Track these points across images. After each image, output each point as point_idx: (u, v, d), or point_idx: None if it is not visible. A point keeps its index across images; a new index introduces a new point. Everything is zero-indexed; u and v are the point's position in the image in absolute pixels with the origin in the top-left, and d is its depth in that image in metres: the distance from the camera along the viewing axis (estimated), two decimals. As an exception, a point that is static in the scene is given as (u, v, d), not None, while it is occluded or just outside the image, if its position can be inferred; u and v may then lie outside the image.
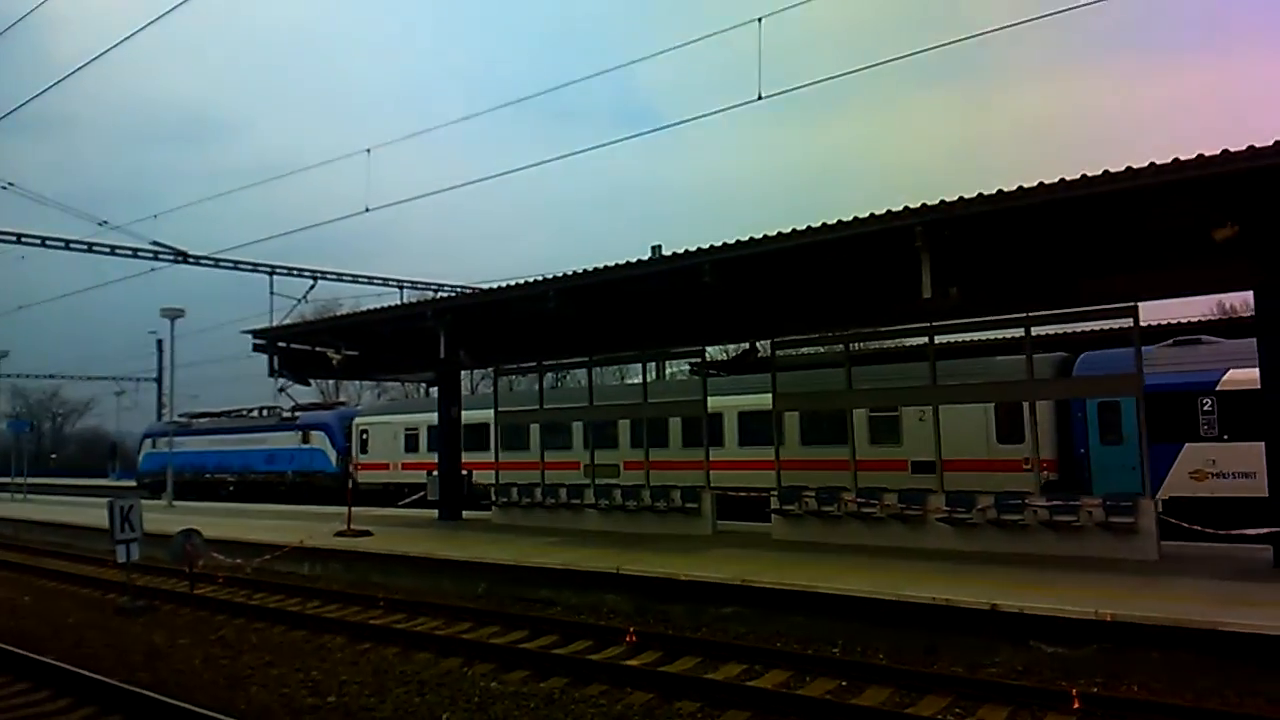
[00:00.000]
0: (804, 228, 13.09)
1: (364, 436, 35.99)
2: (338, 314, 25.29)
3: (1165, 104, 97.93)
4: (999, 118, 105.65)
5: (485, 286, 20.76)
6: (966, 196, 11.62)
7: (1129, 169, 10.52)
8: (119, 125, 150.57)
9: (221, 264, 32.05)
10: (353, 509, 21.36)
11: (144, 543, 15.00)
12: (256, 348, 23.45)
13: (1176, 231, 11.91)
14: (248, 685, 9.79)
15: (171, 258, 30.48)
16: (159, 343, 62.72)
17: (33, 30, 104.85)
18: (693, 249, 14.52)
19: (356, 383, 61.67)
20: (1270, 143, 9.70)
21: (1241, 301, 40.22)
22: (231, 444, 42.52)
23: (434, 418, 33.19)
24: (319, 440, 38.54)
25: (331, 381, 57.35)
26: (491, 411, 24.19)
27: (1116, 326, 19.30)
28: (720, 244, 14.10)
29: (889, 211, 12.25)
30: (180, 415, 38.71)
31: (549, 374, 24.16)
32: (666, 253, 15.42)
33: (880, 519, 15.87)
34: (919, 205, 11.97)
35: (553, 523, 20.93)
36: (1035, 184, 11.09)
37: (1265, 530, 12.94)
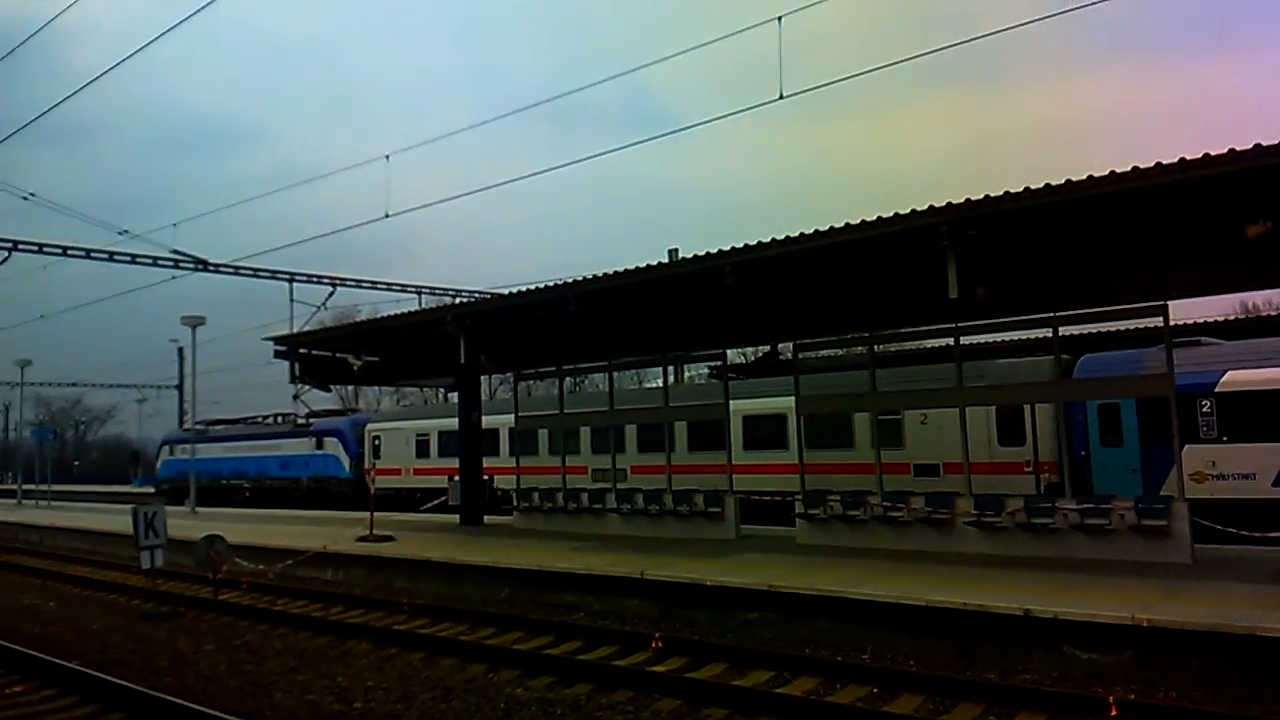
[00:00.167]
0: (826, 228, 12.96)
1: (376, 442, 36.33)
2: (357, 320, 25.31)
3: (1179, 105, 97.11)
4: (1012, 117, 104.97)
5: (502, 291, 20.74)
6: (993, 195, 11.46)
7: (1159, 165, 10.34)
8: (138, 135, 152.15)
9: (241, 272, 32.18)
10: (374, 514, 21.34)
11: (168, 549, 15.03)
12: (278, 354, 23.49)
13: (1208, 228, 11.71)
14: (273, 692, 9.74)
15: (192, 266, 30.61)
16: (180, 350, 63.16)
17: (52, 42, 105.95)
18: (713, 251, 14.41)
19: (376, 389, 62.01)
20: (1305, 137, 9.52)
21: (1265, 300, 39.93)
22: (247, 450, 42.95)
23: (444, 423, 33.73)
24: (332, 446, 38.88)
25: (351, 387, 57.58)
26: (503, 417, 24.23)
27: (1121, 328, 19.36)
28: (741, 245, 13.98)
29: (914, 211, 12.11)
30: (198, 423, 39.05)
31: (544, 379, 24.15)
32: (685, 255, 15.27)
33: (907, 523, 15.70)
34: (944, 204, 11.83)
35: (575, 527, 20.84)
36: (1063, 181, 10.92)
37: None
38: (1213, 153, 10.07)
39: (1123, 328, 19.68)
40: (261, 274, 32.35)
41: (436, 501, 27.98)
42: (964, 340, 16.63)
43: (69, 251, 28.84)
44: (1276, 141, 9.72)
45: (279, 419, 42.94)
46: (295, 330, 25.47)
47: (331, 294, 32.99)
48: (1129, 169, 10.58)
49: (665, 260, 17.98)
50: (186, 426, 52.88)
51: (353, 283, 34.63)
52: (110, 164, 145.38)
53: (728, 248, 14.17)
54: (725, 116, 26.29)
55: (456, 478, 24.56)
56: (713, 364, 26.92)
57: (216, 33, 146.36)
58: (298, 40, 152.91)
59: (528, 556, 16.23)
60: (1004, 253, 13.04)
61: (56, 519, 32.12)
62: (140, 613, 14.50)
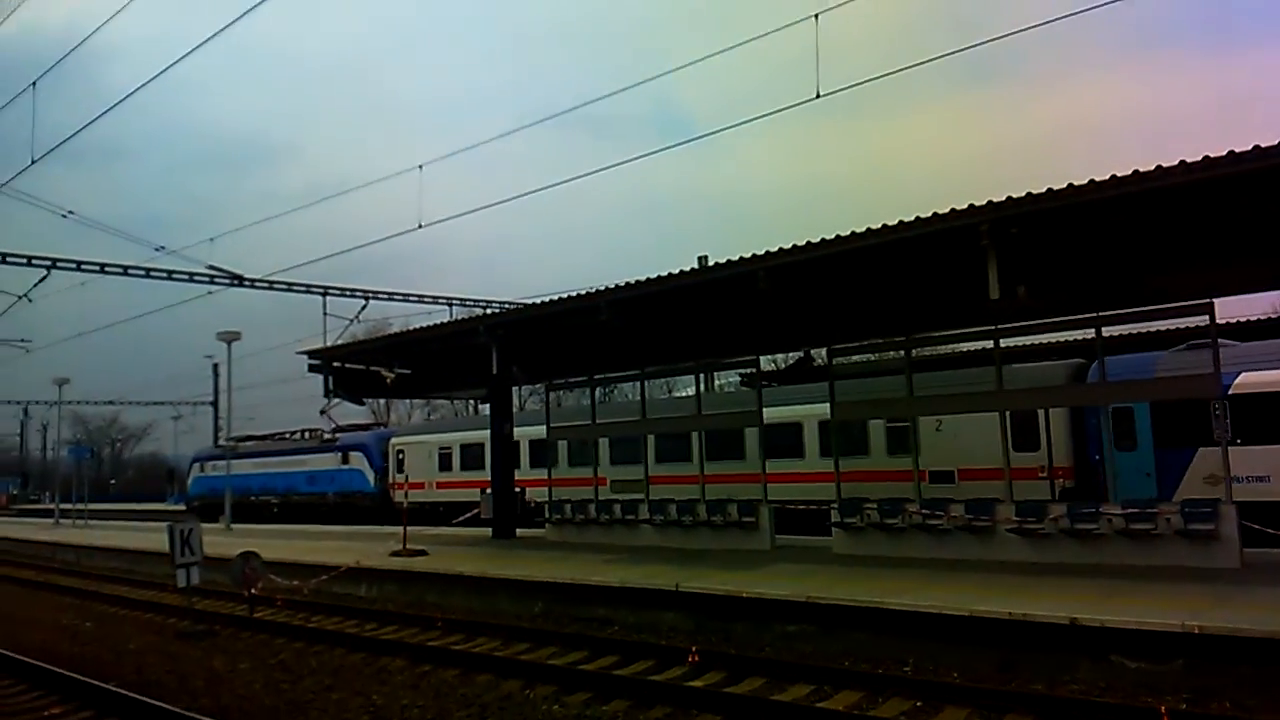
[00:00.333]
0: (864, 230, 12.76)
1: (400, 456, 36.66)
2: (390, 332, 25.37)
3: (1210, 103, 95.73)
4: (1040, 117, 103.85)
5: (530, 301, 20.68)
6: (1035, 192, 11.22)
7: (1206, 158, 10.06)
8: (168, 156, 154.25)
9: (276, 286, 32.32)
10: (406, 528, 21.34)
11: (204, 566, 15.05)
12: (312, 368, 23.58)
13: (1257, 223, 11.43)
14: (309, 710, 9.68)
15: (227, 281, 30.79)
16: (215, 366, 63.74)
17: (84, 64, 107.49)
18: (747, 255, 14.24)
19: (407, 403, 62.29)
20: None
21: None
22: (275, 466, 43.44)
23: (467, 436, 34.28)
24: (358, 461, 39.33)
25: (382, 401, 57.89)
26: (522, 429, 24.26)
27: (1138, 331, 19.10)
28: (776, 249, 13.80)
29: (953, 210, 11.88)
30: (227, 439, 39.57)
31: (584, 389, 24.12)
32: (718, 261, 15.09)
33: (946, 530, 15.44)
34: (985, 203, 11.59)
35: (608, 539, 20.72)
36: (1107, 177, 10.67)
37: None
38: (1263, 145, 9.80)
39: (1130, 331, 19.62)
40: (296, 288, 32.49)
41: (468, 515, 27.98)
42: (987, 344, 16.45)
43: (106, 269, 29.10)
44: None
45: (306, 434, 43.49)
46: (329, 344, 25.54)
47: (364, 307, 33.06)
48: (1175, 163, 10.32)
49: (699, 266, 17.80)
50: (219, 443, 53.50)
51: (385, 295, 34.71)
52: (141, 185, 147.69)
53: (762, 252, 14.02)
54: (762, 117, 26.01)
55: (488, 490, 24.54)
56: (743, 371, 26.75)
57: (245, 53, 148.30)
58: (327, 58, 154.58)
59: (561, 569, 16.12)
60: (1046, 251, 12.78)
61: (93, 538, 32.42)
62: (176, 631, 14.53)
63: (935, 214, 12.14)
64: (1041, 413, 18.94)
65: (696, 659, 11.04)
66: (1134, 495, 15.28)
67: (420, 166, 24.96)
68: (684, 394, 39.65)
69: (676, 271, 15.42)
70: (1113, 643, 9.72)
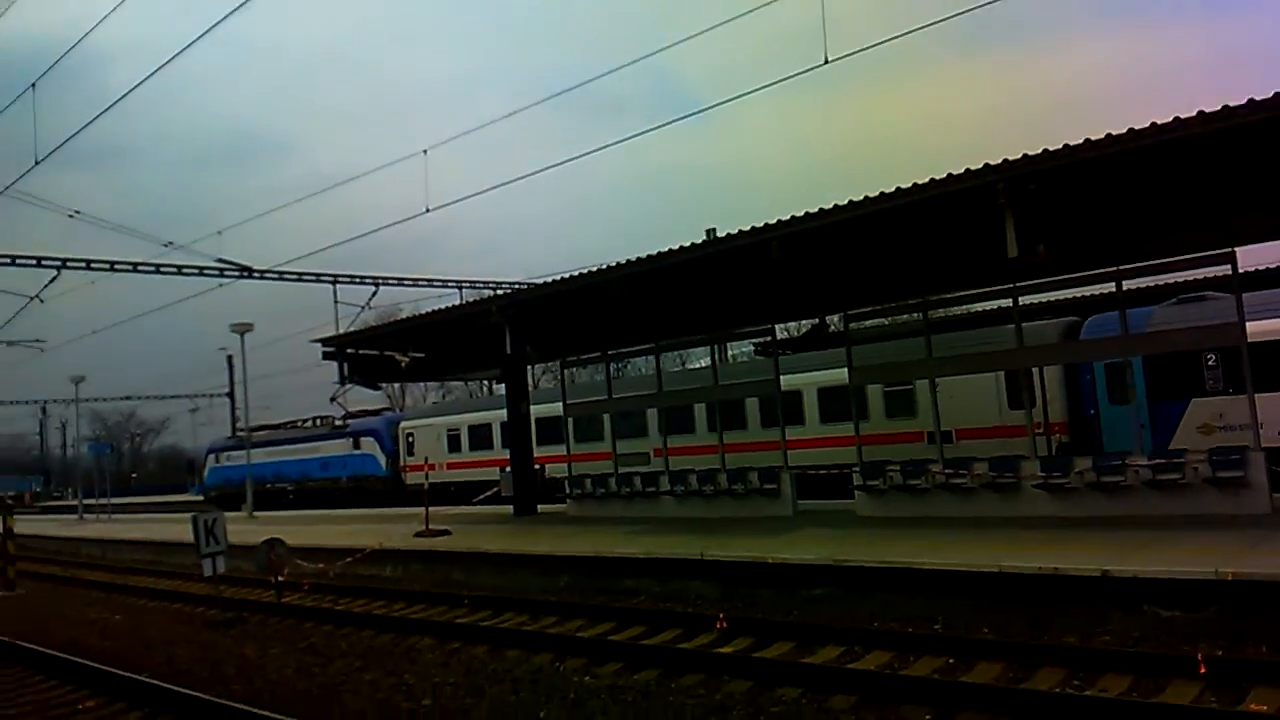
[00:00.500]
0: (877, 194, 12.63)
1: (410, 439, 37.30)
2: (402, 317, 25.35)
3: (1211, 58, 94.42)
4: (1044, 78, 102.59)
5: (539, 280, 20.64)
6: (1051, 149, 11.08)
7: (1225, 108, 9.91)
8: (172, 154, 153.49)
9: (286, 277, 32.31)
10: (428, 509, 21.36)
11: (229, 555, 15.09)
12: (326, 355, 23.61)
13: (1275, 170, 11.24)
14: (341, 693, 9.66)
15: (237, 273, 30.79)
16: (229, 358, 64.01)
17: (86, 65, 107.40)
18: (759, 225, 14.12)
19: (421, 387, 62.40)
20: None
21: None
22: (289, 454, 43.93)
23: (475, 418, 34.88)
24: (369, 445, 39.88)
25: (397, 386, 58.03)
26: (537, 407, 24.51)
27: (1138, 286, 19.03)
28: (789, 218, 13.69)
29: (968, 170, 11.75)
30: (240, 430, 39.97)
31: (597, 364, 24.22)
32: (730, 231, 14.96)
33: (970, 489, 15.37)
34: (1000, 161, 11.44)
35: (629, 511, 20.72)
36: (1125, 130, 10.51)
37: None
38: (1281, 91, 9.62)
39: (1128, 287, 19.49)
40: (306, 278, 32.47)
41: (489, 494, 28.05)
42: (1001, 303, 16.37)
43: (116, 266, 29.14)
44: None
45: (318, 422, 44.01)
46: (342, 331, 25.53)
47: (375, 294, 33.05)
48: (1194, 114, 10.16)
49: (711, 238, 17.69)
50: (230, 435, 53.88)
51: (394, 281, 34.71)
52: (147, 182, 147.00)
53: (774, 221, 13.89)
54: (768, 86, 25.59)
55: (507, 469, 24.58)
56: (757, 340, 26.68)
57: (244, 46, 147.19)
58: (323, 49, 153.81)
59: (584, 543, 16.12)
60: (1064, 208, 12.63)
61: (118, 531, 32.66)
62: (205, 620, 14.58)
63: (951, 174, 12.01)
64: (1036, 371, 19.19)
65: (724, 625, 11.02)
66: (1129, 448, 15.33)
67: (425, 151, 24.62)
68: (697, 366, 39.71)
69: (688, 244, 15.32)
70: (1145, 593, 9.64)
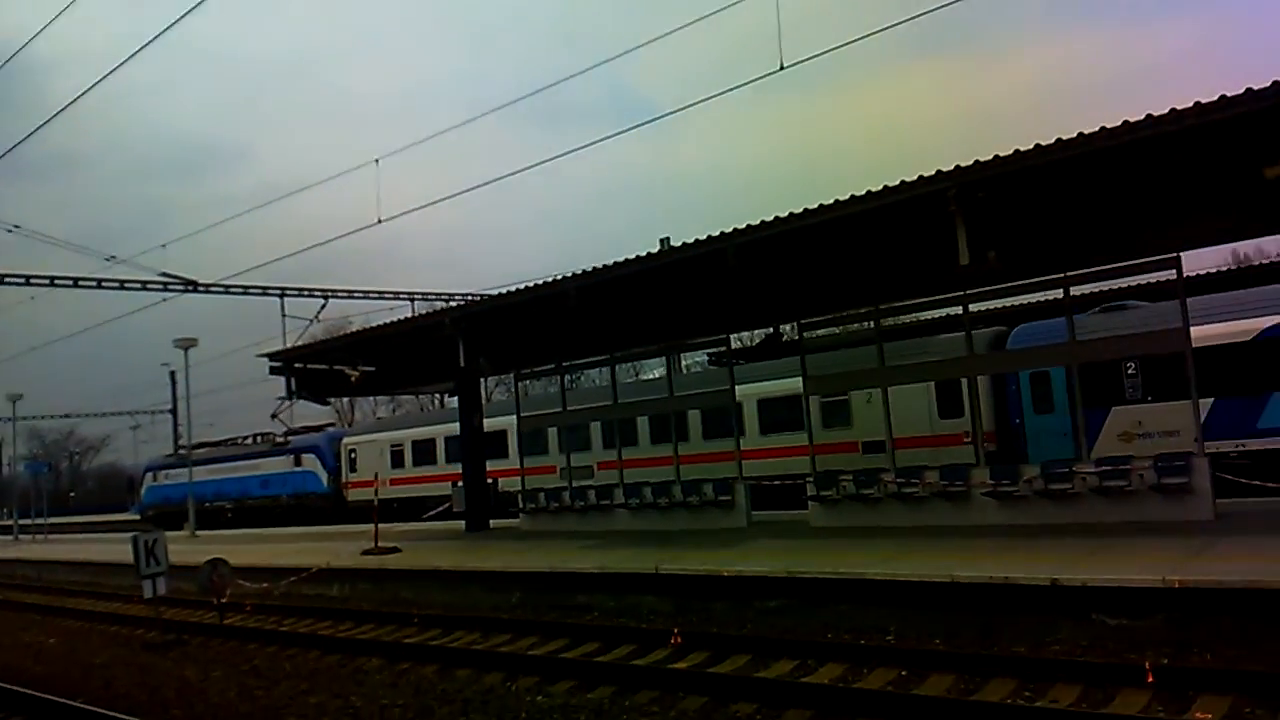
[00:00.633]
0: (831, 202, 12.66)
1: (352, 456, 36.86)
2: (351, 331, 25.00)
3: (1167, 62, 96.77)
4: (1001, 82, 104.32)
5: (496, 292, 20.41)
6: (1002, 154, 11.16)
7: (1173, 110, 10.04)
8: (117, 163, 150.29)
9: (232, 290, 31.82)
10: (378, 525, 21.02)
11: (170, 575, 14.72)
12: (273, 370, 23.21)
13: (1224, 174, 11.44)
14: (286, 716, 9.43)
15: (181, 288, 30.25)
16: (172, 374, 62.69)
17: (31, 72, 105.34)
18: (715, 234, 14.09)
19: (371, 401, 61.63)
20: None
21: (1255, 249, 39.65)
22: (228, 471, 43.21)
23: (418, 433, 34.62)
24: (310, 462, 39.35)
25: (347, 401, 57.27)
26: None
27: (1060, 297, 19.47)
28: (744, 226, 13.67)
29: (920, 177, 11.80)
30: (180, 448, 39.17)
31: (550, 377, 24.13)
32: (687, 240, 14.89)
33: (922, 498, 15.44)
34: (952, 168, 11.51)
35: (583, 525, 20.56)
36: (1074, 135, 10.62)
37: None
38: (1229, 94, 9.77)
39: (1046, 298, 20.33)
40: (252, 291, 32.00)
41: (440, 509, 27.77)
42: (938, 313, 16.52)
43: (56, 281, 28.50)
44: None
45: (258, 439, 43.40)
46: (290, 345, 25.11)
47: (324, 307, 32.68)
48: (1142, 117, 10.29)
49: (667, 246, 17.67)
50: (168, 453, 52.84)
51: (344, 294, 34.37)
52: (92, 194, 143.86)
53: (730, 229, 13.87)
54: (725, 93, 25.83)
55: (458, 483, 24.29)
56: (711, 351, 26.74)
57: (189, 56, 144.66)
58: (273, 58, 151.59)
59: (537, 558, 15.94)
60: (1015, 214, 12.76)
61: (54, 552, 31.79)
62: (144, 643, 14.18)
63: (903, 182, 12.06)
64: (965, 380, 19.43)
65: (679, 641, 10.90)
66: (1053, 456, 15.97)
67: (377, 161, 24.29)
68: (650, 377, 39.69)
69: (645, 253, 15.24)
70: (1094, 601, 9.70)
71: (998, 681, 8.57)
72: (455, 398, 29.18)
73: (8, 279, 27.52)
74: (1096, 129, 10.45)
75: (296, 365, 23.23)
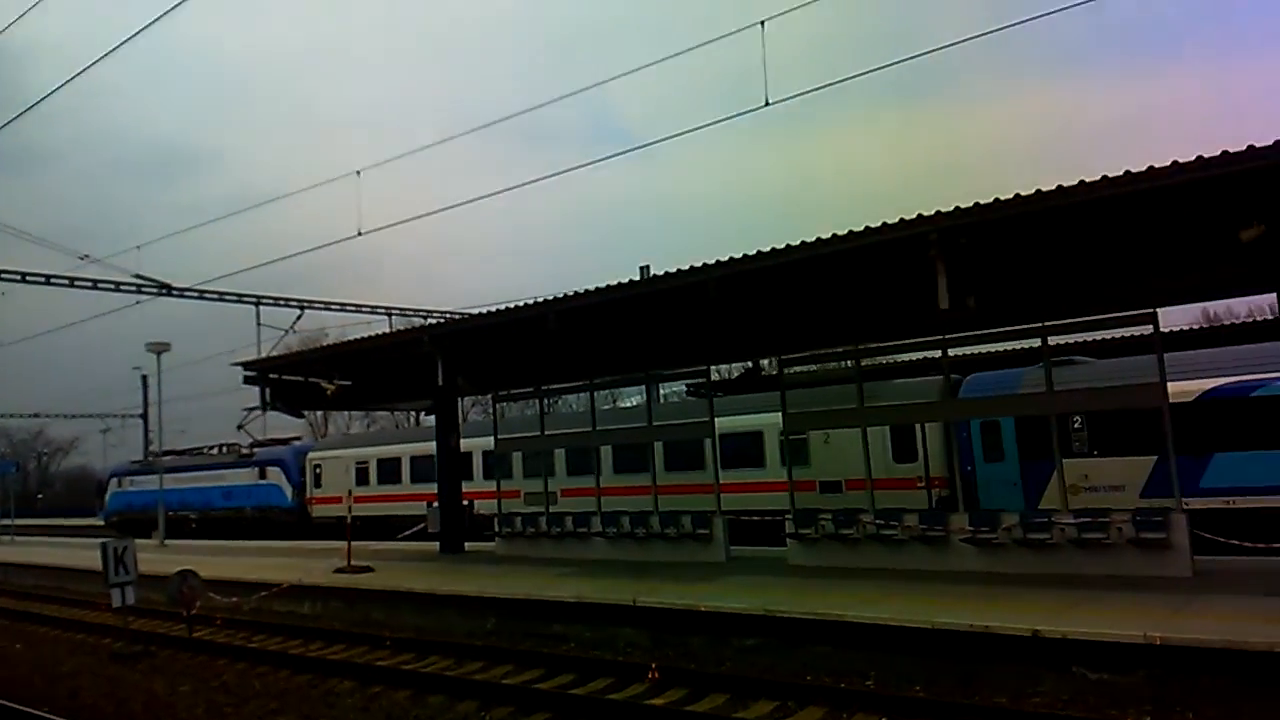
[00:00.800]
0: (814, 239, 12.75)
1: (317, 471, 36.34)
2: (328, 343, 24.83)
3: (1138, 116, 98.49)
4: (973, 131, 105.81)
5: (472, 311, 20.35)
6: (983, 202, 11.29)
7: (1151, 168, 10.21)
8: (92, 162, 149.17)
9: (206, 296, 31.44)
10: (351, 544, 20.78)
11: (138, 585, 14.47)
12: (247, 380, 22.97)
13: (1201, 233, 11.61)
14: (255, 738, 9.27)
15: (155, 290, 29.91)
16: (144, 378, 61.89)
17: (4, 65, 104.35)
18: (698, 265, 14.13)
19: (345, 414, 61.13)
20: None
21: (1225, 309, 40.24)
22: (192, 481, 42.64)
23: (384, 450, 34.16)
24: (275, 476, 38.84)
25: (321, 414, 56.82)
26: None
27: (1021, 347, 20.27)
28: (726, 259, 13.73)
29: (902, 220, 11.92)
30: (148, 454, 38.54)
31: (528, 400, 23.89)
32: (669, 270, 14.92)
33: (901, 541, 15.42)
34: (934, 212, 11.63)
35: (559, 552, 20.39)
36: (1054, 187, 10.77)
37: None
38: (1206, 155, 9.95)
39: (1000, 349, 21.57)
40: (227, 297, 31.64)
41: (415, 529, 27.45)
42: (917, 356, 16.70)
43: (28, 278, 28.06)
44: (1270, 143, 9.63)
45: (224, 449, 42.81)
46: (263, 355, 24.88)
47: (299, 317, 32.41)
48: (1121, 173, 10.45)
49: (639, 277, 17.70)
50: (134, 459, 52.07)
51: (321, 305, 34.08)
52: (64, 191, 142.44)
53: (712, 261, 13.91)
54: (709, 125, 26.10)
55: (433, 504, 24.06)
56: (690, 381, 26.68)
57: (169, 57, 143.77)
58: (253, 63, 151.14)
59: (513, 584, 15.80)
60: (995, 262, 12.90)
61: (20, 555, 31.18)
62: (111, 653, 13.93)
63: (885, 224, 12.16)
64: (919, 426, 20.15)
65: (656, 676, 10.81)
66: (1001, 504, 16.69)
67: (358, 172, 24.16)
68: (628, 405, 39.56)
69: (627, 281, 15.27)
70: (1075, 654, 9.72)
71: (980, 732, 8.57)
72: (430, 416, 29.00)
73: (-24, 273, 27.13)
74: (1075, 183, 10.62)
75: (271, 376, 23.02)
